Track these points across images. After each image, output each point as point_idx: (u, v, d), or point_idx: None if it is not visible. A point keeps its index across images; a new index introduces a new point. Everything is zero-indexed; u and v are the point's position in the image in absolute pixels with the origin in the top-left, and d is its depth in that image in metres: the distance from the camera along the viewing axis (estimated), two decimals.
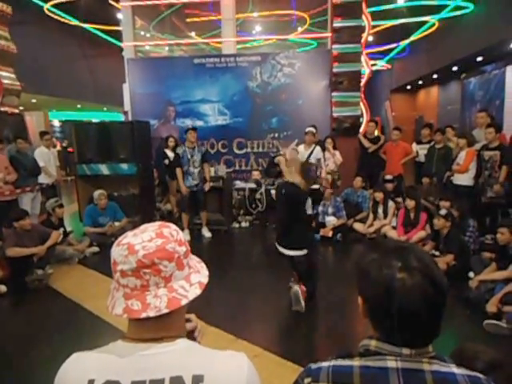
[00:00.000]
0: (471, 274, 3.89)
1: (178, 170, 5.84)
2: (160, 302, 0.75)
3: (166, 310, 0.75)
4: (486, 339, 2.88)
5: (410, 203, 5.22)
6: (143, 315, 0.74)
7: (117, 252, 0.78)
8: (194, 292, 0.80)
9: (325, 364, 0.84)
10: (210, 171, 6.24)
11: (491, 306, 3.21)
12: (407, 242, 0.93)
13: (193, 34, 11.05)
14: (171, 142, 6.87)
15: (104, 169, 6.35)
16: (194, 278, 0.82)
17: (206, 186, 5.98)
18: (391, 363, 0.78)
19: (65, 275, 4.57)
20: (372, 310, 0.83)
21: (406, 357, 0.78)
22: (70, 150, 12.71)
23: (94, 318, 3.43)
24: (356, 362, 0.81)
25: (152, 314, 0.74)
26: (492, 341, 2.85)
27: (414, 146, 6.79)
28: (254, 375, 0.78)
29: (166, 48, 10.71)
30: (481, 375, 0.79)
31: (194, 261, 0.88)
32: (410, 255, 0.80)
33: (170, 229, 0.82)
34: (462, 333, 3.02)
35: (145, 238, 0.78)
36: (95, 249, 5.40)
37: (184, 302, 0.77)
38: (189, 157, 5.79)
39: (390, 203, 5.80)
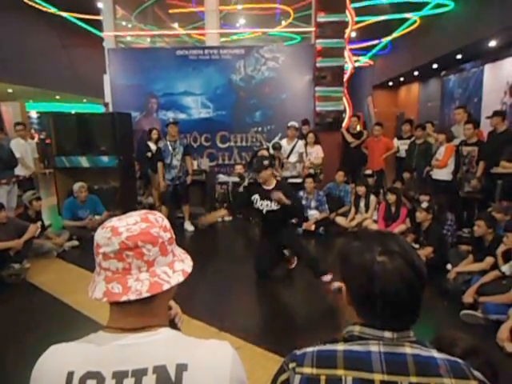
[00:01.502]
0: (449, 266, 3.99)
1: (160, 165, 5.77)
2: (141, 286, 0.74)
3: (146, 294, 0.74)
4: (462, 329, 2.96)
5: (391, 197, 5.32)
6: (123, 298, 0.73)
7: (100, 234, 0.77)
8: (177, 278, 0.79)
9: (309, 349, 0.85)
10: (193, 164, 6.19)
11: (468, 297, 3.31)
12: (387, 230, 0.96)
13: (175, 25, 10.88)
14: (155, 135, 6.77)
15: (84, 161, 6.21)
16: (178, 266, 0.82)
17: (188, 179, 5.94)
18: (374, 347, 0.80)
19: (43, 269, 4.46)
20: (355, 295, 0.86)
21: (388, 340, 0.80)
22: (48, 141, 12.36)
23: (74, 312, 3.36)
24: (340, 347, 0.82)
25: (133, 297, 0.73)
26: (468, 330, 2.93)
27: (395, 142, 6.89)
28: (239, 364, 0.78)
29: (148, 39, 10.53)
30: (460, 360, 0.81)
31: (179, 250, 0.87)
32: (390, 240, 0.85)
33: (156, 215, 0.83)
34: (439, 322, 3.10)
35: (130, 222, 0.78)
36: (74, 242, 5.30)
37: (166, 286, 0.76)
38: (171, 150, 5.73)
39: (372, 197, 5.89)
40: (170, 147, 5.73)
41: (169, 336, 0.78)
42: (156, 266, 0.77)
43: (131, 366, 0.72)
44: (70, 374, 0.72)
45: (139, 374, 0.71)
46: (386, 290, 0.79)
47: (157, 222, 0.80)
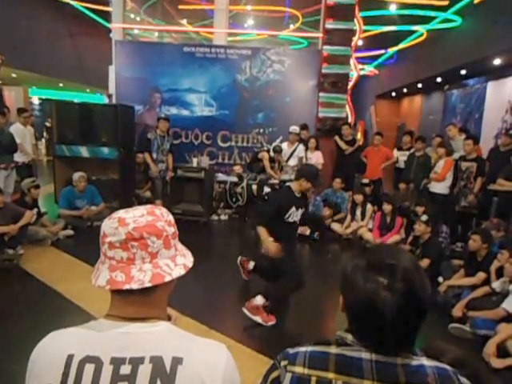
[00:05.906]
0: (440, 279, 4.02)
1: (147, 154, 6.04)
2: (144, 276, 0.77)
3: (148, 284, 0.76)
4: (450, 342, 2.99)
5: (387, 207, 5.35)
6: (126, 287, 0.75)
7: (107, 225, 0.79)
8: (178, 271, 0.82)
9: (302, 349, 0.86)
10: (173, 163, 6.38)
11: (457, 311, 3.35)
12: (397, 251, 0.87)
13: (184, 21, 10.89)
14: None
15: (84, 151, 6.20)
16: (180, 260, 0.85)
17: (168, 175, 6.22)
18: (366, 355, 0.81)
19: (37, 257, 4.46)
20: (350, 312, 0.85)
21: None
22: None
23: (65, 301, 3.37)
24: (333, 350, 0.83)
25: (135, 286, 0.75)
26: (456, 343, 2.96)
27: (395, 152, 6.93)
28: (233, 366, 0.80)
29: (156, 34, 10.53)
30: (448, 367, 0.83)
31: (181, 246, 0.90)
32: (397, 273, 0.79)
33: (161, 210, 0.86)
34: (427, 334, 3.10)
35: (136, 214, 0.81)
36: (69, 232, 5.29)
37: (167, 278, 0.79)
38: (159, 144, 6.03)
39: (369, 206, 5.92)
40: (158, 141, 6.03)
41: (168, 329, 0.80)
42: (159, 258, 0.80)
43: (129, 354, 0.74)
44: (70, 357, 0.74)
45: (136, 362, 0.73)
46: (383, 323, 0.77)
47: (162, 216, 0.84)
